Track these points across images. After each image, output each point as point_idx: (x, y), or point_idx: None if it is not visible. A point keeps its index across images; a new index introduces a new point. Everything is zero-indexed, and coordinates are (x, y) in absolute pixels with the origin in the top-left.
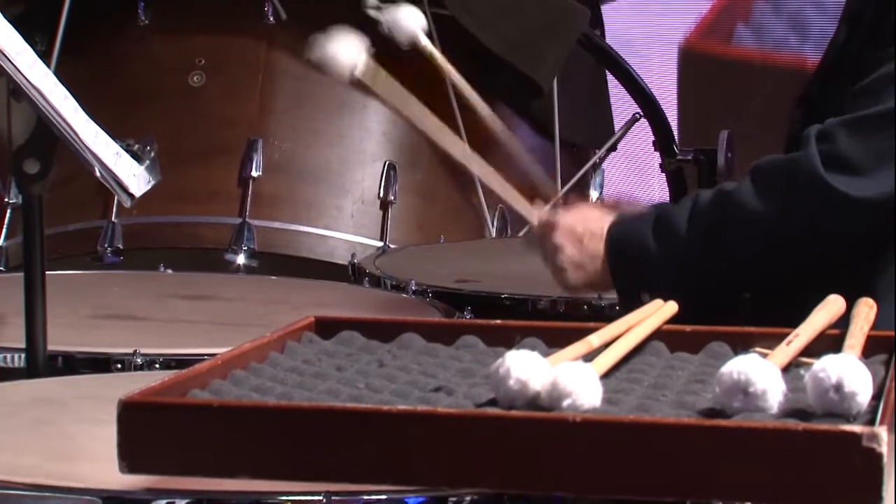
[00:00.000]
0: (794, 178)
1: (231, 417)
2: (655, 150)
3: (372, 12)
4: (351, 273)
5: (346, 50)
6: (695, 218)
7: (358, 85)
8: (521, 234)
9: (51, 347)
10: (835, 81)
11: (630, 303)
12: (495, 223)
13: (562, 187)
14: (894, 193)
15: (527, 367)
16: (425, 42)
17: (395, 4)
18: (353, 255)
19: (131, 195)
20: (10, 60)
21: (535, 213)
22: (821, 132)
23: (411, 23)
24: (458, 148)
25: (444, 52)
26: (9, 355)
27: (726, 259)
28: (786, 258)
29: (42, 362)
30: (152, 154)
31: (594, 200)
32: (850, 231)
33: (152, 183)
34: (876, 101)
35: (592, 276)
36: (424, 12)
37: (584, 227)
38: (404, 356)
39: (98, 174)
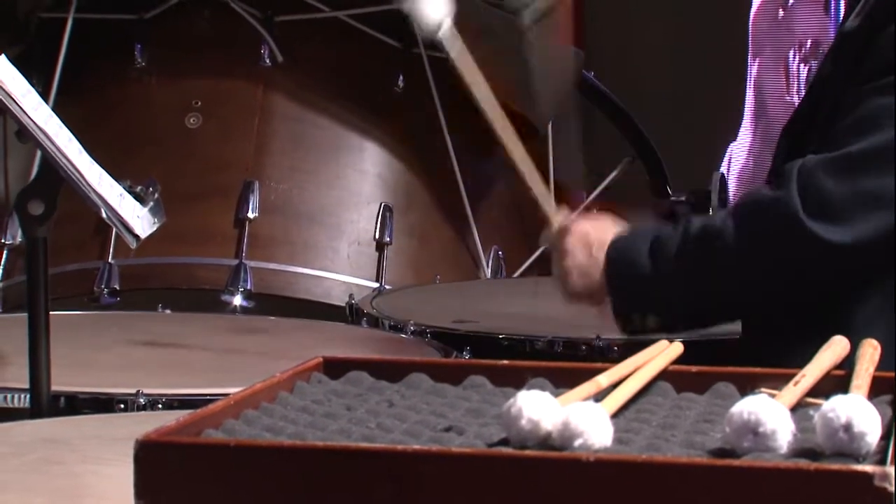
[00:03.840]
0: (773, 221)
1: (247, 457)
2: (649, 191)
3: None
4: (349, 313)
5: (435, 7)
6: (682, 250)
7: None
8: (542, 235)
9: (53, 388)
10: (818, 114)
11: (622, 319)
12: (490, 264)
13: None
14: (873, 238)
15: (538, 407)
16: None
17: None
18: (350, 296)
19: (136, 236)
20: (16, 102)
21: (557, 215)
22: (802, 169)
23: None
24: (509, 134)
25: (440, 94)
26: (11, 395)
27: (708, 294)
28: (764, 296)
29: (45, 402)
30: (156, 196)
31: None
32: (827, 273)
33: (157, 224)
34: (857, 138)
35: (594, 285)
36: (420, 55)
37: (596, 236)
38: (413, 396)
39: (104, 216)
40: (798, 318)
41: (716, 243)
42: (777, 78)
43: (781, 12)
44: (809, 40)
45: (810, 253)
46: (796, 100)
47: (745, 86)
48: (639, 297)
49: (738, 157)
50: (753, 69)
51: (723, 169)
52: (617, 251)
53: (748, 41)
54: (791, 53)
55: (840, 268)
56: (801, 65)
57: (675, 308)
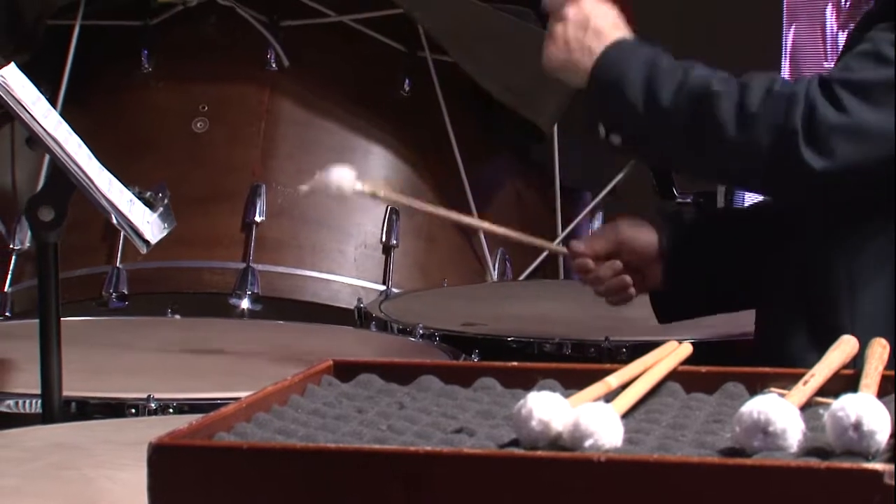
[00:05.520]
0: (771, 124)
1: (260, 459)
2: (655, 193)
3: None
4: (357, 317)
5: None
6: (676, 95)
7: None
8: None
9: (64, 393)
10: None
11: (589, 121)
12: (496, 266)
13: (561, 231)
14: (850, 168)
15: (549, 408)
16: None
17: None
18: (359, 300)
19: (147, 242)
20: (26, 110)
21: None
22: (822, 81)
23: (346, 182)
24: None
25: (446, 97)
26: (22, 401)
27: (680, 145)
28: (731, 174)
29: (57, 408)
30: (165, 201)
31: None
32: (799, 191)
33: (168, 230)
34: (864, 68)
35: (571, 64)
36: (425, 59)
37: (597, 21)
38: (423, 398)
39: (114, 221)
40: (807, 318)
41: (709, 107)
42: (814, 44)
43: None
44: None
45: (792, 169)
46: None
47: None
48: (614, 112)
49: None
50: (789, 38)
51: None
52: (612, 57)
53: (783, 10)
54: (829, 13)
55: (814, 191)
56: (840, 31)
57: (644, 141)
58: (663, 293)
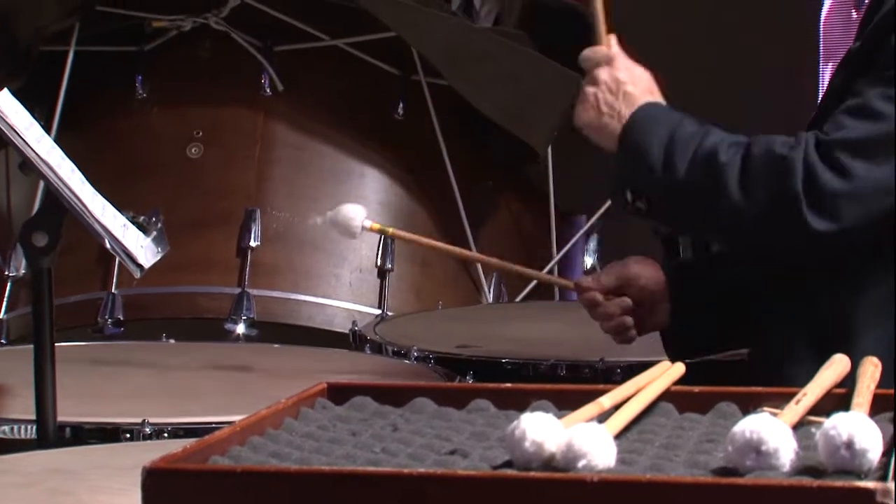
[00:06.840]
0: (774, 186)
1: (254, 483)
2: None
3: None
4: (352, 340)
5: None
6: (689, 167)
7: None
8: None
9: (59, 418)
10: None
11: (616, 179)
12: (491, 289)
13: (557, 252)
14: (856, 227)
15: (542, 429)
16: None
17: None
18: (353, 323)
19: (140, 266)
20: (19, 135)
21: (607, 39)
22: (819, 143)
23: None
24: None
25: (440, 120)
26: (17, 427)
27: (695, 217)
28: (740, 243)
29: (52, 433)
30: (159, 225)
31: (588, 267)
32: (807, 255)
33: (161, 254)
34: (859, 123)
35: (601, 127)
36: (420, 82)
37: (628, 87)
38: (417, 420)
39: (108, 246)
40: (802, 338)
41: (717, 174)
42: None
43: (854, 13)
44: None
45: (797, 234)
46: None
47: (818, 90)
48: (637, 178)
49: None
50: (826, 75)
51: None
52: (638, 124)
53: (818, 45)
54: None
55: (821, 252)
56: None
57: (663, 208)
58: (673, 331)
